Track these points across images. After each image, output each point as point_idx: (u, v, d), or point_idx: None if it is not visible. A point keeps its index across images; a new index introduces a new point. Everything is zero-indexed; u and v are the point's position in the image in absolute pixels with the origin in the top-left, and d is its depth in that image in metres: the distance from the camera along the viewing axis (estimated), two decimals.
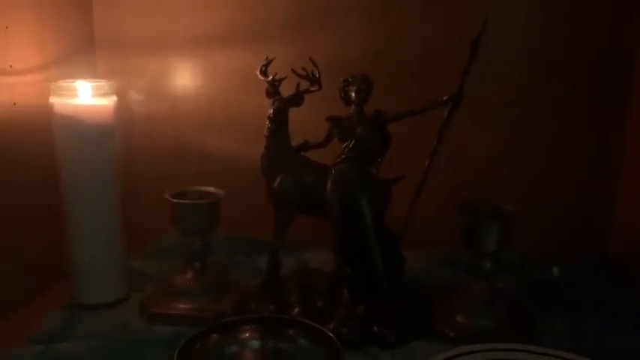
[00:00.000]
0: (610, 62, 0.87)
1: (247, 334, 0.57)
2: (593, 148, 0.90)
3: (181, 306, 0.75)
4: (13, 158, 0.76)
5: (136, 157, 0.96)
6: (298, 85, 0.71)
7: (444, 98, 0.69)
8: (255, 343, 0.57)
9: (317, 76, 0.70)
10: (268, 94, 0.73)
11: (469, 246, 0.72)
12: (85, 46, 0.92)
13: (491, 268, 0.72)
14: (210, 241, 0.78)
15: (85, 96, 0.73)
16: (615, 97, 0.88)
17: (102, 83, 0.75)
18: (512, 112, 0.90)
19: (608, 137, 0.89)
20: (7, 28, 0.73)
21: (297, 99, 0.72)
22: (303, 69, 0.70)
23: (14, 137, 0.75)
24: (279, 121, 0.72)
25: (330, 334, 0.54)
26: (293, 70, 0.70)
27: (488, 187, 0.89)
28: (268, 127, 0.72)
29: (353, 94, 0.71)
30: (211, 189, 0.78)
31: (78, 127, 0.72)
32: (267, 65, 0.73)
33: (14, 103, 0.75)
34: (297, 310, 0.73)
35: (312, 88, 0.71)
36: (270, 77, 0.72)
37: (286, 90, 0.72)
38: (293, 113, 0.73)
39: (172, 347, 0.57)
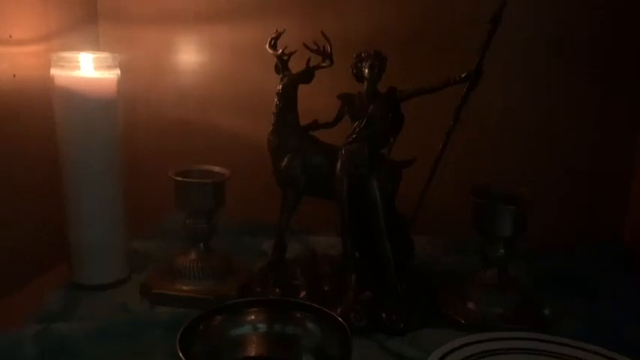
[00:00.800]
0: (629, 46, 0.84)
1: (253, 317, 0.55)
2: (609, 134, 0.88)
3: (184, 287, 0.73)
4: (11, 132, 0.74)
5: (138, 134, 0.94)
6: (308, 60, 0.69)
7: (462, 76, 0.66)
8: (261, 327, 0.55)
9: (329, 51, 0.68)
10: (277, 69, 0.71)
11: (481, 231, 0.70)
12: (88, 16, 0.90)
13: (504, 254, 0.70)
14: (214, 222, 0.76)
15: (87, 68, 0.71)
16: (634, 82, 0.86)
17: (105, 55, 0.72)
18: (528, 94, 0.88)
19: (624, 124, 0.87)
20: None
21: (307, 75, 0.69)
22: (315, 43, 0.67)
23: (13, 110, 0.74)
24: (288, 98, 0.70)
25: (339, 319, 0.52)
26: (304, 45, 0.67)
27: (502, 172, 0.87)
28: (276, 105, 0.70)
29: (366, 71, 0.68)
30: (217, 168, 0.76)
31: (79, 101, 0.70)
32: (276, 38, 0.70)
33: (14, 75, 0.74)
34: (303, 294, 0.71)
35: (323, 64, 0.68)
36: (280, 51, 0.69)
37: (295, 67, 0.70)
38: (302, 90, 0.71)
39: (174, 329, 0.55)
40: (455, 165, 0.75)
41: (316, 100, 0.69)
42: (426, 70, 0.73)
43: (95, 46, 0.90)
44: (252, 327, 0.55)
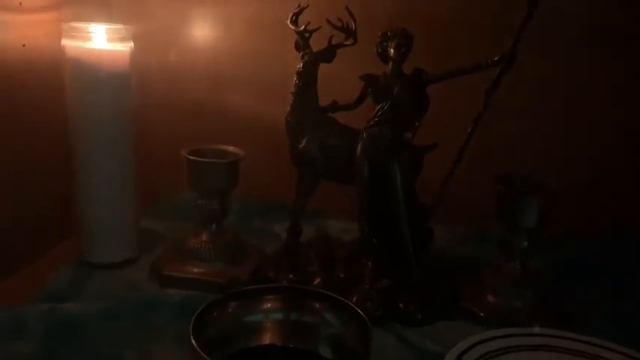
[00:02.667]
0: None
1: (269, 305, 0.53)
2: (633, 124, 0.85)
3: (194, 269, 0.72)
4: (20, 102, 0.72)
5: (151, 110, 0.90)
6: (331, 38, 0.66)
7: (495, 59, 0.62)
8: (276, 315, 0.53)
9: (353, 28, 0.65)
10: (297, 46, 0.68)
11: (505, 221, 0.68)
12: None
13: (527, 246, 0.68)
14: (227, 203, 0.74)
15: (100, 40, 0.68)
16: None
17: (119, 27, 0.70)
18: (557, 81, 0.85)
19: None
20: None
21: (328, 53, 0.67)
22: (339, 19, 0.64)
23: (22, 82, 0.72)
24: (308, 77, 0.67)
25: (359, 311, 0.50)
26: (328, 21, 0.64)
27: (525, 160, 0.84)
28: (296, 84, 0.67)
29: (392, 50, 0.65)
30: (231, 148, 0.74)
31: (90, 74, 0.67)
32: (298, 14, 0.67)
33: (23, 45, 0.72)
34: (317, 280, 0.69)
35: (347, 42, 0.66)
36: (301, 27, 0.66)
37: (316, 45, 0.67)
38: (322, 70, 0.68)
39: (184, 312, 0.54)
40: (479, 151, 0.72)
41: (337, 80, 0.67)
42: (454, 51, 0.69)
43: (108, 17, 0.87)
44: (268, 315, 0.53)
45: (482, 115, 0.65)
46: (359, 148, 0.67)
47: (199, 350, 0.44)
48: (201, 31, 0.91)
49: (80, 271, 0.71)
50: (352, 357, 0.50)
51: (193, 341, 0.45)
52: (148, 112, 0.88)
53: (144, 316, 0.63)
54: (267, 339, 0.53)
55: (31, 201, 0.75)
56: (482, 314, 0.66)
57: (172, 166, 0.73)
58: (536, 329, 0.62)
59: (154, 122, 0.92)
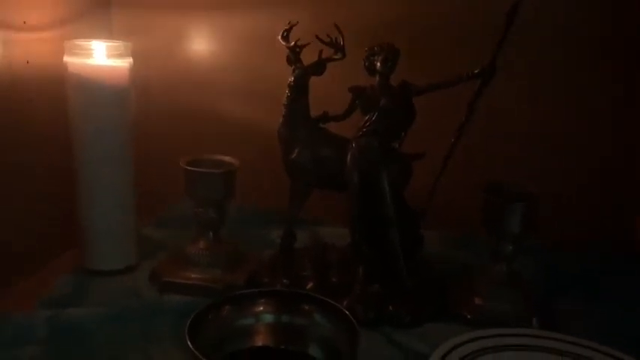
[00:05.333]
0: None
1: (261, 308, 0.55)
2: (623, 132, 0.87)
3: (193, 276, 0.74)
4: (24, 118, 0.74)
5: (150, 122, 0.94)
6: (321, 52, 0.69)
7: (476, 71, 0.65)
8: (268, 317, 0.55)
9: (341, 43, 0.67)
10: (289, 60, 0.70)
11: (491, 227, 0.70)
12: (101, 4, 0.90)
13: (513, 250, 0.70)
14: (224, 212, 0.76)
15: (100, 56, 0.71)
16: None
17: (118, 44, 0.72)
18: (544, 90, 0.87)
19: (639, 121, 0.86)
20: None
21: (318, 67, 0.69)
22: (328, 35, 0.67)
23: (27, 97, 0.74)
24: (299, 89, 0.70)
25: (347, 313, 0.52)
26: (317, 37, 0.67)
27: (513, 169, 0.86)
28: (287, 96, 0.70)
29: (378, 64, 0.68)
30: (227, 158, 0.76)
31: (92, 89, 0.70)
32: (289, 30, 0.70)
33: (27, 61, 0.74)
34: (310, 285, 0.71)
35: (336, 57, 0.68)
36: (292, 43, 0.69)
37: (308, 57, 0.70)
38: (313, 82, 0.70)
39: (183, 317, 0.56)
40: (466, 160, 0.75)
41: (328, 92, 0.69)
42: (439, 64, 0.72)
43: (108, 32, 0.90)
44: (260, 317, 0.56)
45: (465, 126, 0.68)
46: (349, 158, 0.69)
47: (196, 352, 0.46)
48: (199, 45, 0.94)
49: (82, 279, 0.73)
50: (341, 358, 0.52)
51: (190, 344, 0.47)
52: (147, 123, 0.91)
53: (144, 321, 0.65)
54: (260, 341, 0.55)
55: (35, 211, 0.77)
56: (469, 316, 0.68)
57: (171, 176, 0.75)
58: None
59: (154, 133, 0.95)
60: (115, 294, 0.71)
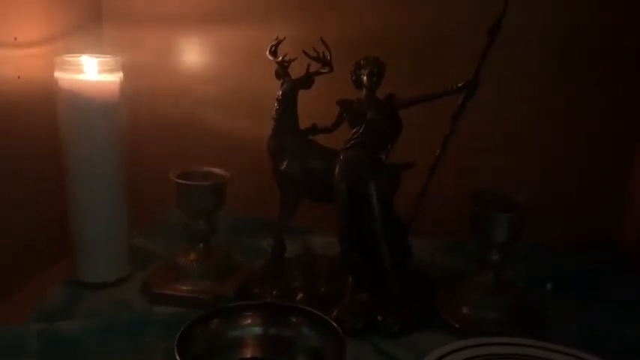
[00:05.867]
0: (629, 53, 0.85)
1: (249, 320, 0.56)
2: (606, 137, 0.89)
3: (184, 287, 0.74)
4: (16, 133, 0.74)
5: (141, 135, 0.94)
6: (308, 66, 0.70)
7: (459, 85, 0.67)
8: (256, 329, 0.56)
9: (328, 57, 0.69)
10: (277, 74, 0.71)
11: (477, 237, 0.71)
12: (92, 18, 0.91)
13: (499, 259, 0.71)
14: (214, 223, 0.77)
15: (91, 71, 0.72)
16: (630, 86, 0.86)
17: (108, 59, 0.73)
18: (526, 101, 0.88)
19: (621, 127, 0.88)
20: None
21: (306, 81, 0.70)
22: (314, 50, 0.68)
23: (18, 111, 0.74)
24: (288, 102, 0.70)
25: (334, 324, 0.53)
26: (304, 52, 0.68)
27: (499, 176, 0.87)
28: (276, 109, 0.71)
29: (365, 78, 0.69)
30: (217, 170, 0.77)
31: (82, 103, 0.71)
32: (277, 45, 0.71)
33: (18, 77, 0.74)
34: (300, 295, 0.72)
35: (323, 70, 0.69)
36: (280, 58, 0.70)
37: (296, 70, 0.71)
38: (302, 95, 0.71)
39: (173, 329, 0.56)
40: (454, 168, 0.76)
41: (317, 104, 0.70)
42: (425, 78, 0.73)
43: (99, 47, 0.91)
44: (249, 330, 0.56)
45: (449, 138, 0.69)
46: (337, 169, 0.70)
47: None
48: (188, 59, 0.95)
49: (74, 291, 0.74)
50: None
51: (178, 358, 0.48)
52: (138, 135, 0.92)
53: (135, 334, 0.65)
54: (248, 353, 0.56)
55: (26, 224, 0.77)
56: (457, 325, 0.69)
57: (162, 187, 0.76)
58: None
59: (145, 145, 0.96)
60: (106, 306, 0.72)
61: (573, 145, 0.90)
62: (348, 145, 0.69)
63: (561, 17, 0.85)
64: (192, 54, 0.94)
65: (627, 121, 0.87)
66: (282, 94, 0.70)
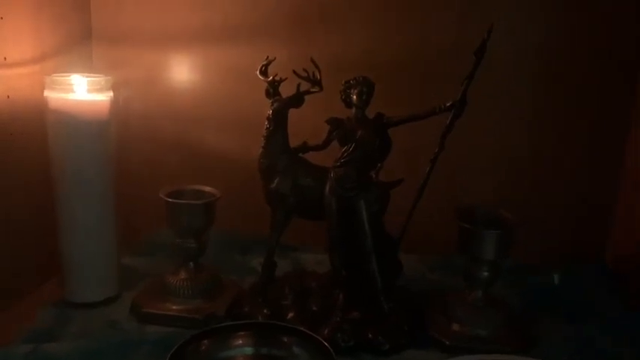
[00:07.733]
0: (612, 75, 0.87)
1: (240, 341, 0.56)
2: (594, 158, 0.90)
3: (173, 307, 0.74)
4: (4, 152, 0.74)
5: (131, 154, 0.95)
6: (299, 85, 0.70)
7: (447, 105, 0.68)
8: (247, 350, 0.56)
9: (318, 77, 0.69)
10: (268, 94, 0.72)
11: (466, 254, 0.71)
12: (82, 39, 0.91)
13: (488, 276, 0.71)
14: (204, 241, 0.77)
15: (81, 91, 0.72)
16: (616, 108, 0.88)
17: (98, 78, 0.73)
18: (513, 120, 0.90)
19: (608, 148, 0.89)
20: (1, 19, 0.72)
21: (297, 100, 0.71)
22: (304, 70, 0.69)
23: (7, 131, 0.74)
24: (278, 121, 0.71)
25: (325, 343, 0.53)
26: (294, 72, 0.69)
27: (487, 194, 0.88)
28: (267, 128, 0.71)
29: (354, 97, 0.70)
30: (207, 188, 0.77)
31: (72, 123, 0.71)
32: (267, 65, 0.72)
33: (8, 96, 0.74)
34: (291, 314, 0.72)
35: (313, 90, 0.70)
36: (271, 78, 0.71)
37: (287, 89, 0.71)
38: (293, 114, 0.72)
39: (163, 350, 0.56)
40: (443, 185, 0.77)
41: (307, 122, 0.70)
42: (414, 97, 0.74)
43: (89, 66, 0.91)
44: (240, 350, 0.56)
45: (438, 156, 0.70)
46: (327, 187, 0.70)
47: None
48: (178, 77, 0.95)
49: (63, 311, 0.73)
50: None
51: None
52: (128, 153, 0.92)
53: (124, 354, 0.64)
54: None
55: (14, 244, 0.77)
56: (447, 342, 0.69)
57: (152, 205, 0.75)
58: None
59: (135, 163, 0.96)
60: (96, 327, 0.71)
61: (560, 162, 0.91)
62: (339, 164, 0.70)
63: (549, 35, 0.87)
64: (182, 73, 0.95)
65: (612, 141, 0.89)
66: (272, 113, 0.70)
